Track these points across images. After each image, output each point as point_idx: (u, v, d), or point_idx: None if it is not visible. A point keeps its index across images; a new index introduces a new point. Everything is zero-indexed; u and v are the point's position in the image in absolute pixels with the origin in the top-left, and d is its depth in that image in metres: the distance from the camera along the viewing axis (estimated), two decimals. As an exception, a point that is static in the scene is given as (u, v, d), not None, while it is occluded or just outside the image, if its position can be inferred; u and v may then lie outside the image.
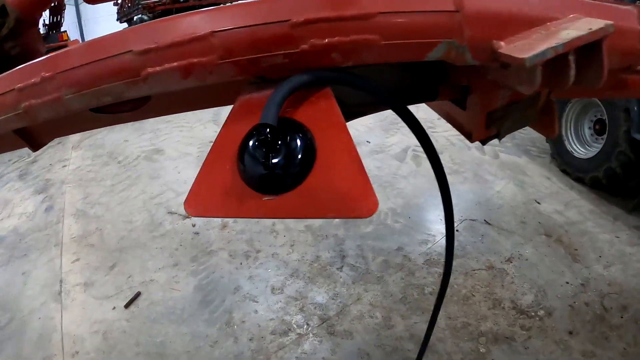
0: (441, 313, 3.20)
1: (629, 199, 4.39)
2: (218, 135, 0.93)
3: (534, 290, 3.40)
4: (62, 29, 15.28)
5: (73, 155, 6.58)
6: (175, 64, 0.84)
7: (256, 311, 3.39)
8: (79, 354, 3.27)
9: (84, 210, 5.15)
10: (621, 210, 4.35)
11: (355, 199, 0.78)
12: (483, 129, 1.27)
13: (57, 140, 7.06)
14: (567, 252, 3.81)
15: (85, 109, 0.98)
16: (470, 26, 0.84)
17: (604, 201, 4.51)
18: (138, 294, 3.72)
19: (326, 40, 0.84)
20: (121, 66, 0.87)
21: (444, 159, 5.12)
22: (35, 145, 1.37)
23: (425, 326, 3.13)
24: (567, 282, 3.46)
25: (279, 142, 0.83)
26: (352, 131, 0.84)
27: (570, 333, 3.03)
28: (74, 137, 7.06)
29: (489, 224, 4.21)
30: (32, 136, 1.34)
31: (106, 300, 3.73)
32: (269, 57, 0.85)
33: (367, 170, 0.80)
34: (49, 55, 0.97)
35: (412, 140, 5.80)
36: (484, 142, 1.44)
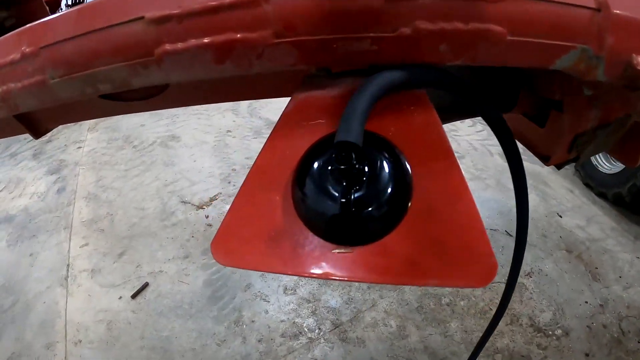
0: (457, 326, 3.12)
1: (651, 218, 4.26)
2: (262, 150, 0.67)
3: (552, 307, 3.29)
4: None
5: (89, 137, 6.50)
6: (206, 40, 0.58)
7: (267, 311, 3.30)
8: (82, 343, 3.19)
9: (96, 193, 5.07)
10: (642, 229, 4.22)
11: (466, 260, 0.56)
12: (565, 152, 1.05)
13: (73, 120, 7.02)
14: (587, 270, 3.68)
15: (78, 99, 0.72)
16: (613, 32, 0.62)
17: (625, 219, 4.37)
18: (146, 285, 3.63)
19: (439, 25, 0.58)
20: (126, 40, 0.61)
21: (466, 164, 4.99)
22: (37, 132, 1.20)
23: (440, 338, 3.07)
24: (586, 302, 3.34)
25: (364, 170, 0.60)
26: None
27: (587, 355, 2.93)
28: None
29: (510, 235, 4.06)
30: (33, 122, 1.16)
31: (113, 289, 3.65)
32: (350, 41, 0.59)
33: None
34: (33, 23, 0.71)
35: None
36: (559, 167, 1.25)
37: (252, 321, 3.22)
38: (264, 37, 0.58)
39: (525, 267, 3.66)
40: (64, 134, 6.61)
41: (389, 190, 0.59)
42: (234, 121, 6.55)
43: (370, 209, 0.59)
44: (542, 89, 0.99)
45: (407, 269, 0.57)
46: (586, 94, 0.80)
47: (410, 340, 3.03)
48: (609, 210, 4.50)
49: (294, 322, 3.19)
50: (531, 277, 3.58)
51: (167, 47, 0.59)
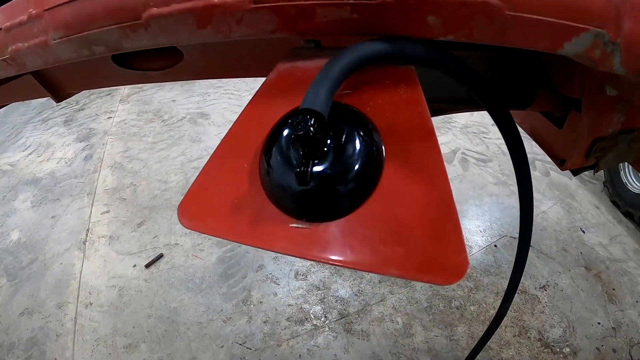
0: (464, 331, 3.07)
1: (676, 245, 4.12)
2: (239, 117, 0.66)
3: (563, 324, 3.20)
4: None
5: (120, 108, 6.60)
6: (188, 4, 0.59)
7: (276, 294, 3.31)
8: (93, 306, 3.26)
9: (122, 163, 5.15)
10: (666, 255, 4.09)
11: (433, 253, 0.50)
12: (582, 157, 0.98)
13: (106, 91, 7.13)
14: (604, 291, 3.56)
15: (76, 60, 0.74)
16: (632, 15, 0.55)
17: (649, 242, 4.26)
18: (160, 256, 3.69)
19: None
20: (117, 4, 0.63)
21: (493, 168, 4.90)
22: (58, 96, 1.25)
23: (445, 341, 3.04)
24: (599, 323, 3.23)
25: (328, 142, 0.55)
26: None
27: (592, 378, 2.86)
28: (123, 90, 7.09)
29: (531, 245, 3.97)
30: (54, 86, 1.22)
31: (128, 257, 3.72)
32: (329, 8, 0.56)
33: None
34: None
35: (462, 142, 5.62)
36: (576, 173, 1.16)
37: (260, 302, 3.24)
38: (242, 1, 0.57)
39: (540, 279, 3.59)
40: (95, 104, 6.73)
41: (354, 166, 0.55)
42: (263, 105, 6.57)
43: (330, 183, 0.55)
44: (562, 84, 0.93)
45: (367, 254, 0.52)
46: (609, 93, 0.75)
47: (415, 339, 3.00)
48: (634, 231, 4.35)
49: (301, 308, 3.19)
50: (546, 290, 3.50)
51: (153, 10, 0.61)
